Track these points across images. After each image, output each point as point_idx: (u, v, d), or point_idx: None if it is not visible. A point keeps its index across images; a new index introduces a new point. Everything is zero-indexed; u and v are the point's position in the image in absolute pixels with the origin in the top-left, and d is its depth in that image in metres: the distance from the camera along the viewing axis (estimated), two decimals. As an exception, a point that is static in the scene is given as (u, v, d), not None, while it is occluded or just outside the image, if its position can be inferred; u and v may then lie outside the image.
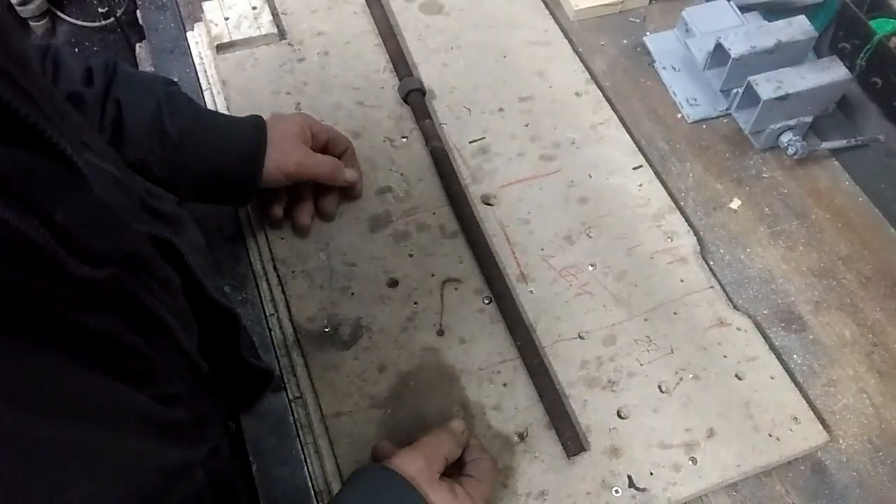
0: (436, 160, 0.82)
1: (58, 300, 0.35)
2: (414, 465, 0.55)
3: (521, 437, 0.65)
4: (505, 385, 0.68)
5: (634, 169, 0.83)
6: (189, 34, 0.94)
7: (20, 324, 0.33)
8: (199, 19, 0.94)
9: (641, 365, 0.69)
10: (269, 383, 0.67)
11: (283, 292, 0.73)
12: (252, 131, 0.69)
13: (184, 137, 0.65)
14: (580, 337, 0.71)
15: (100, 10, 1.71)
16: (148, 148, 0.63)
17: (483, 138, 0.85)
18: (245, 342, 0.62)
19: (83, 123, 0.50)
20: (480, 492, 0.57)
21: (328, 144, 0.76)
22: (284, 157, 0.69)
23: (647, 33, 0.96)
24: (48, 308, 0.35)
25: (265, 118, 0.71)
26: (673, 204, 0.81)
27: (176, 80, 0.89)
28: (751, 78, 0.82)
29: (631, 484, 0.63)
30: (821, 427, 0.67)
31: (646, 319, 0.72)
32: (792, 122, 0.84)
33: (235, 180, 0.69)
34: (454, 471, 0.59)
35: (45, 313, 0.35)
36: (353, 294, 0.73)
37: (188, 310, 0.50)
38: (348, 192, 0.78)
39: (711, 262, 0.78)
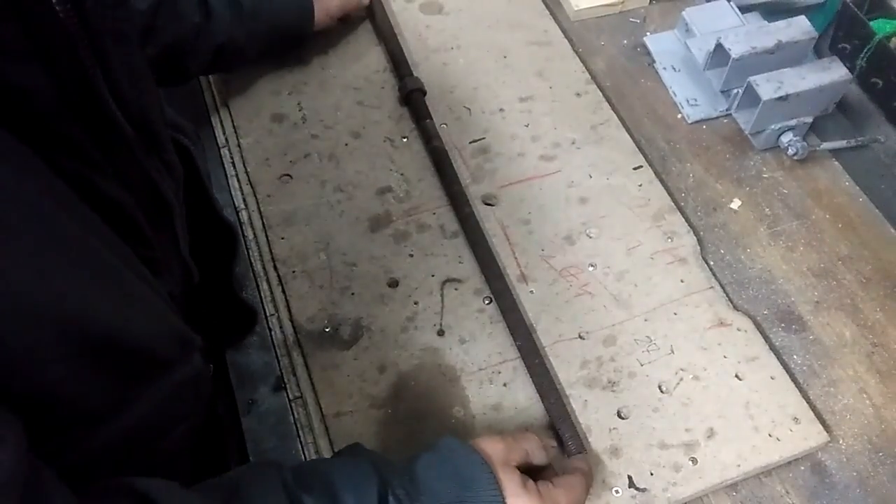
0: (436, 160, 0.82)
1: (83, 156, 0.41)
2: (493, 446, 0.55)
3: (522, 437, 0.65)
4: (505, 385, 0.68)
5: (634, 169, 0.83)
6: (189, 34, 0.94)
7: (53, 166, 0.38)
8: (199, 19, 0.94)
9: (641, 365, 0.69)
10: (253, 324, 0.71)
11: (284, 292, 0.73)
12: None
13: (254, 7, 0.80)
14: (580, 337, 0.71)
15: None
16: (230, 21, 0.78)
17: (483, 138, 0.85)
18: (235, 279, 0.69)
19: None
20: (553, 498, 0.55)
21: None
22: (326, 3, 0.87)
23: (647, 33, 0.96)
24: (75, 161, 0.40)
25: None
26: (673, 204, 0.81)
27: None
28: (751, 78, 0.82)
29: (631, 484, 0.63)
30: (821, 427, 0.67)
31: (646, 319, 0.72)
32: (792, 123, 0.84)
33: (294, 33, 0.87)
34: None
35: (72, 170, 0.40)
36: (353, 294, 0.73)
37: (185, 212, 0.55)
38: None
39: (711, 262, 0.78)
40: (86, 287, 0.38)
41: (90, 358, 0.38)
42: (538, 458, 0.57)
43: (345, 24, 0.95)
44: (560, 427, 0.64)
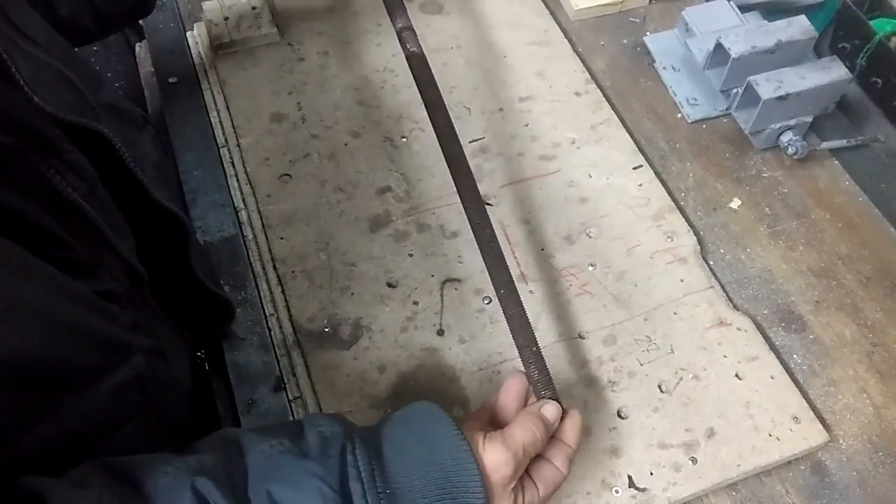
0: (413, 68, 0.75)
1: None
2: (501, 463, 0.50)
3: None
4: (505, 385, 0.68)
5: (634, 169, 0.83)
6: (189, 34, 0.94)
7: None
8: (198, 19, 0.94)
9: (641, 365, 0.69)
10: (230, 314, 0.68)
11: (283, 292, 0.73)
12: None
13: None
14: (580, 336, 0.71)
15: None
16: None
17: (483, 138, 0.85)
18: (202, 267, 0.65)
19: (35, 22, 0.53)
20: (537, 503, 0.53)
21: None
22: None
23: (647, 33, 0.96)
24: None
25: None
26: (673, 204, 0.81)
27: (176, 80, 0.90)
28: (751, 78, 0.82)
29: (631, 484, 0.63)
30: (821, 427, 0.67)
31: (646, 319, 0.72)
32: (792, 122, 0.84)
33: None
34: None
35: None
36: (353, 294, 0.73)
37: (114, 206, 0.51)
38: None
39: (711, 262, 0.78)
40: None
41: None
42: (539, 450, 0.54)
43: None
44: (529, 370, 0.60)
